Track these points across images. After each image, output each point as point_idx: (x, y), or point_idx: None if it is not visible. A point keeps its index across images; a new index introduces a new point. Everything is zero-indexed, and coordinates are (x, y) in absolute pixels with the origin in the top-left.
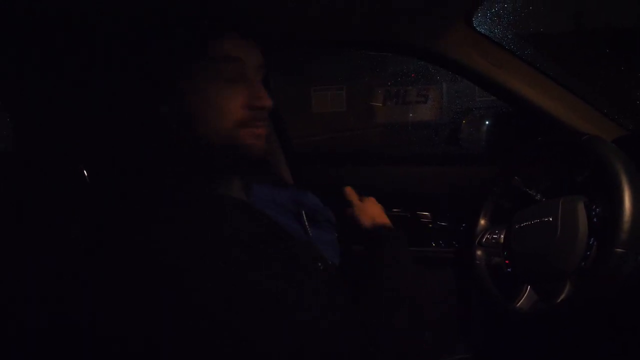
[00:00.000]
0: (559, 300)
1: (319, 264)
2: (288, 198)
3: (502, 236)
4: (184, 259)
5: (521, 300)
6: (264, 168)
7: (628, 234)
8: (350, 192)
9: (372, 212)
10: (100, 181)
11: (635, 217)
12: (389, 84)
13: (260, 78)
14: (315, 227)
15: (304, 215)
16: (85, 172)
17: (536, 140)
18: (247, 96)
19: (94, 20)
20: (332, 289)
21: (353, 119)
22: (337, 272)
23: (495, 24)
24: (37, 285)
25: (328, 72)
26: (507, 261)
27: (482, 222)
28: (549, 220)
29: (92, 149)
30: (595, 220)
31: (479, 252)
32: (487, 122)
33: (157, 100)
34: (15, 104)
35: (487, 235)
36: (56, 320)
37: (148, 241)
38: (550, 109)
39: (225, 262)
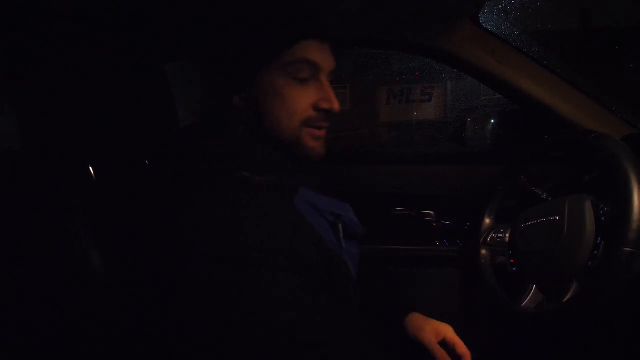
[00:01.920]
0: (565, 300)
1: (343, 287)
2: (328, 206)
3: (507, 235)
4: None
5: (526, 300)
6: (315, 171)
7: (637, 233)
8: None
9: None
10: (107, 178)
11: None
12: (393, 82)
13: (329, 82)
14: (346, 240)
15: (341, 228)
16: (91, 169)
17: (543, 138)
18: (316, 97)
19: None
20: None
21: (357, 118)
22: (355, 288)
23: (502, 21)
24: (44, 282)
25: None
26: (512, 260)
27: (487, 221)
28: (555, 219)
29: (99, 147)
30: (603, 219)
31: (483, 252)
32: (492, 121)
33: (232, 94)
34: (21, 102)
35: (492, 235)
36: (65, 317)
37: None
38: (558, 107)
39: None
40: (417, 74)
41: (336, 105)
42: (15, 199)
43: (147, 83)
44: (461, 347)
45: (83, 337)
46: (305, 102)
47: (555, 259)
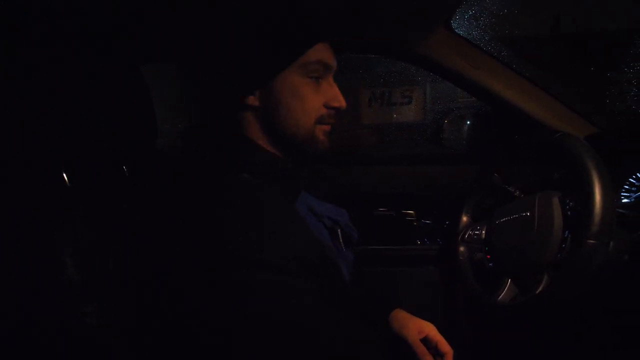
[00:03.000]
0: (537, 292)
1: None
2: (327, 212)
3: (483, 232)
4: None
5: (502, 294)
6: (319, 176)
7: (598, 226)
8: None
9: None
10: (82, 184)
11: (605, 210)
12: (374, 85)
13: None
14: (343, 245)
15: (340, 233)
16: (65, 175)
17: (513, 139)
18: (327, 96)
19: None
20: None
21: (339, 120)
22: (349, 291)
23: (473, 27)
24: (20, 292)
25: None
26: (488, 256)
27: (465, 219)
28: (526, 215)
29: (73, 151)
30: (569, 213)
31: (461, 249)
32: (467, 122)
33: (248, 93)
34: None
35: (469, 232)
36: (42, 326)
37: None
38: (527, 108)
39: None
40: (397, 76)
41: (344, 103)
42: None
43: (126, 86)
44: (443, 345)
45: (59, 347)
46: (319, 100)
47: (527, 253)
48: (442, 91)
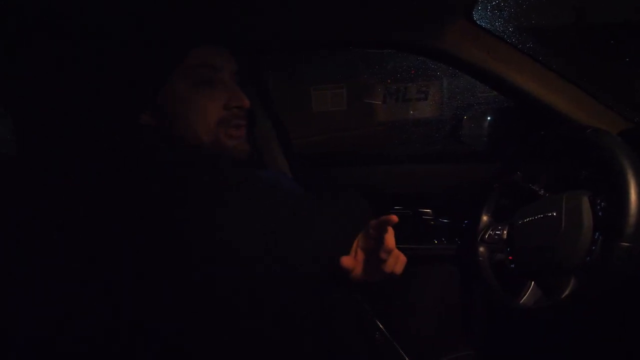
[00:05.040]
0: (563, 296)
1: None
2: (265, 177)
3: (504, 232)
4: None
5: (525, 297)
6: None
7: (634, 227)
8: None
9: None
10: (85, 183)
11: None
12: (389, 81)
13: (235, 82)
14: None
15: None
16: (67, 175)
17: (538, 134)
18: (225, 98)
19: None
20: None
21: (354, 118)
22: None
23: (496, 17)
24: (37, 287)
25: (327, 71)
26: (510, 257)
27: (485, 218)
28: (552, 215)
29: (83, 151)
30: (600, 214)
31: (481, 249)
32: (488, 118)
33: (138, 106)
34: (17, 106)
35: (489, 232)
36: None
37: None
38: (553, 102)
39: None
40: (413, 71)
41: (246, 102)
42: (11, 205)
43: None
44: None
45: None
46: (214, 103)
47: (553, 255)
48: (460, 85)
